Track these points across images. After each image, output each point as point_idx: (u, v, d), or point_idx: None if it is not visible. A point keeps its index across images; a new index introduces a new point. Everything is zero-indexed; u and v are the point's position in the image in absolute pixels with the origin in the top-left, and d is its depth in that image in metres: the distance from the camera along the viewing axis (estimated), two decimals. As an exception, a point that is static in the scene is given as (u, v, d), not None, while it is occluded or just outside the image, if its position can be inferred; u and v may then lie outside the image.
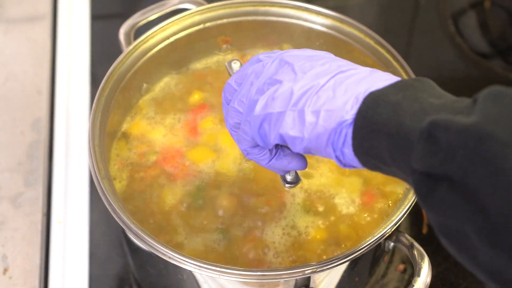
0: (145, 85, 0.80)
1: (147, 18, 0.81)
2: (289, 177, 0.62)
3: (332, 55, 0.55)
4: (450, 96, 0.48)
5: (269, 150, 0.57)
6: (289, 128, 0.52)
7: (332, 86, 0.51)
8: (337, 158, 0.52)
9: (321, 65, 0.53)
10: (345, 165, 0.53)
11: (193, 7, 0.81)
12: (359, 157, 0.50)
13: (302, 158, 0.59)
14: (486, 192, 0.40)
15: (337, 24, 0.78)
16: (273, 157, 0.58)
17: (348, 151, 0.50)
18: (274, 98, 0.53)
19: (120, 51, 0.78)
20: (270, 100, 0.53)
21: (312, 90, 0.51)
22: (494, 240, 0.40)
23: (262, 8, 0.80)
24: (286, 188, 0.70)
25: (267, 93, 0.53)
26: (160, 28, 0.78)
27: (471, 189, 0.41)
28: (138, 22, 0.81)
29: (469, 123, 0.42)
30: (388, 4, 1.13)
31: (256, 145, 0.57)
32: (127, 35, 0.80)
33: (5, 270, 0.79)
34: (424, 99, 0.47)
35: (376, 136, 0.48)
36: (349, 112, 0.49)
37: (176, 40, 0.80)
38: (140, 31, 0.80)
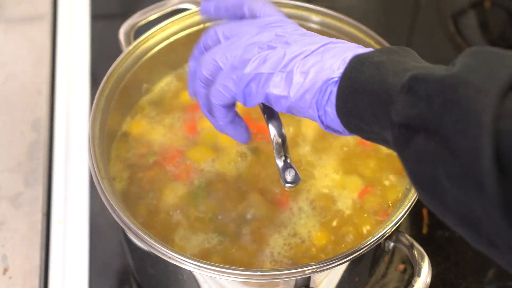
0: (145, 85, 0.80)
1: (147, 18, 0.81)
2: (289, 177, 0.62)
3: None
4: (431, 64, 0.50)
5: (232, 113, 0.59)
6: (276, 88, 0.54)
7: (321, 52, 0.53)
8: (319, 118, 0.53)
9: (313, 37, 0.56)
10: (326, 127, 0.54)
11: (193, 7, 0.81)
12: (341, 118, 0.52)
13: (249, 134, 0.61)
14: (458, 134, 0.41)
15: (337, 23, 0.78)
16: (231, 121, 0.59)
17: (331, 110, 0.52)
18: (265, 60, 0.54)
19: (120, 51, 0.77)
20: (261, 62, 0.54)
21: (303, 54, 0.53)
22: (462, 180, 0.41)
23: (262, 8, 0.80)
24: (286, 188, 0.70)
25: (258, 56, 0.55)
26: (160, 28, 0.78)
27: (445, 134, 0.42)
28: (138, 22, 0.81)
29: (448, 73, 0.44)
30: (388, 4, 1.13)
31: (229, 104, 0.58)
32: (127, 35, 0.80)
33: (5, 270, 0.79)
34: (407, 62, 0.49)
35: (359, 95, 0.50)
36: (336, 71, 0.52)
37: (176, 40, 0.80)
38: (140, 31, 0.80)
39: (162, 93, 0.81)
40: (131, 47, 0.76)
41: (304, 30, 0.57)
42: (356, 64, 0.51)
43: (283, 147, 0.69)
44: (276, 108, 0.55)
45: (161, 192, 0.73)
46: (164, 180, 0.73)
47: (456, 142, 0.41)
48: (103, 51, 1.00)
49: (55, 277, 0.79)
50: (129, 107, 0.79)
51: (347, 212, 0.71)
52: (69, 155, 0.89)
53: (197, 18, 0.80)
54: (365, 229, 0.70)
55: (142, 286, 0.80)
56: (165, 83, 0.82)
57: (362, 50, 0.53)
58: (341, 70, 0.51)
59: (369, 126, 0.50)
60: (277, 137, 0.62)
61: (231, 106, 0.58)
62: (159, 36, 0.79)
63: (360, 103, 0.50)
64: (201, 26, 0.81)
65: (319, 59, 0.53)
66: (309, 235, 0.70)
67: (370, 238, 0.63)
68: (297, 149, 0.74)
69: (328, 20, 0.79)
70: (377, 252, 0.72)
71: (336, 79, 0.51)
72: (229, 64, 0.56)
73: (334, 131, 0.55)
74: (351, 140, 0.76)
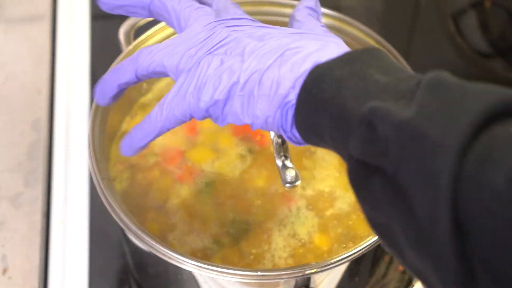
0: (145, 85, 0.80)
1: (146, 18, 0.81)
2: (289, 177, 0.62)
3: (286, 29, 0.53)
4: (398, 71, 0.46)
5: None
6: (239, 115, 0.51)
7: (278, 64, 0.49)
8: (289, 138, 0.51)
9: (270, 40, 0.51)
10: (299, 144, 0.52)
11: (193, 7, 0.81)
12: (301, 133, 0.49)
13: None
14: (415, 192, 0.38)
15: (337, 23, 0.78)
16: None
17: (291, 127, 0.50)
18: (220, 82, 0.50)
19: (120, 51, 0.77)
20: (217, 85, 0.51)
21: (258, 73, 0.49)
22: (419, 244, 0.38)
23: (262, 8, 0.80)
24: (286, 188, 0.70)
25: (213, 74, 0.51)
26: (160, 28, 0.78)
27: (402, 186, 0.39)
28: (138, 22, 0.81)
29: (405, 118, 0.39)
30: (388, 4, 1.13)
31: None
32: (127, 34, 0.80)
33: (5, 270, 0.79)
34: (370, 75, 0.45)
35: (320, 114, 0.46)
36: (292, 93, 0.48)
37: (176, 40, 0.80)
38: (140, 31, 0.79)
39: (162, 93, 0.81)
40: (131, 47, 0.76)
41: (260, 27, 0.53)
42: (316, 79, 0.47)
43: (282, 147, 0.69)
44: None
45: (161, 193, 0.72)
46: (164, 180, 0.73)
47: (413, 200, 0.38)
48: (103, 51, 0.99)
49: (54, 277, 0.79)
50: (129, 107, 0.79)
51: (348, 212, 0.71)
52: (69, 155, 0.89)
53: (197, 18, 0.80)
54: (365, 229, 0.70)
55: (142, 286, 0.80)
56: (165, 83, 0.82)
57: (321, 53, 0.49)
58: (297, 90, 0.48)
59: (328, 145, 0.48)
60: (276, 137, 0.62)
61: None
62: (159, 36, 0.79)
63: (319, 122, 0.47)
64: (201, 26, 0.81)
65: (276, 76, 0.49)
66: (309, 235, 0.69)
67: (370, 238, 0.63)
68: (296, 149, 0.74)
69: (328, 20, 0.78)
70: (378, 252, 0.72)
71: (293, 102, 0.48)
72: (173, 74, 0.54)
73: (295, 142, 0.52)
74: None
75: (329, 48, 0.50)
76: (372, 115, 0.42)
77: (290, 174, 0.63)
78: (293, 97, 0.48)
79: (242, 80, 0.50)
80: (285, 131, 0.50)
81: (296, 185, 0.66)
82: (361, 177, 0.43)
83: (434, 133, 0.37)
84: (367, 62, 0.46)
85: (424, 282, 0.40)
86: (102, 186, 0.65)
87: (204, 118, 0.53)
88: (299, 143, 0.52)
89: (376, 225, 0.44)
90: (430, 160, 0.37)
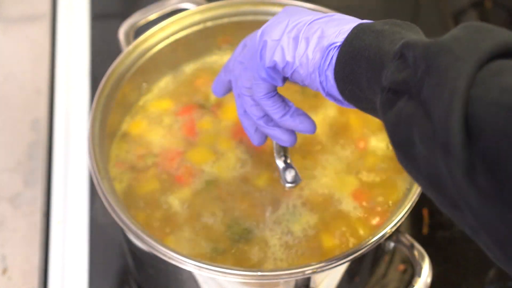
0: (144, 84, 0.80)
1: (146, 17, 0.81)
2: (289, 177, 0.62)
3: None
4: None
5: (284, 104, 0.61)
6: (282, 54, 0.56)
7: (326, 21, 0.56)
8: (321, 84, 0.55)
9: (317, 13, 0.58)
10: (327, 94, 0.56)
11: (193, 7, 0.81)
12: (338, 83, 0.54)
13: (312, 122, 0.62)
14: (434, 98, 0.43)
15: (338, 23, 0.78)
16: (288, 112, 0.61)
17: (331, 75, 0.54)
18: (272, 27, 0.57)
19: (120, 51, 0.77)
20: (268, 29, 0.57)
21: (306, 21, 0.56)
22: (432, 141, 0.43)
23: (262, 8, 0.80)
24: (286, 188, 0.70)
25: (264, 28, 0.58)
26: (159, 28, 0.78)
27: (423, 98, 0.44)
28: (137, 22, 0.81)
29: (434, 41, 0.45)
30: (388, 4, 1.13)
31: (271, 92, 0.60)
32: (127, 34, 0.80)
33: (5, 271, 0.79)
34: (407, 34, 0.50)
35: (357, 61, 0.51)
36: (339, 36, 0.54)
37: (176, 40, 0.80)
38: (140, 30, 0.79)
39: (162, 93, 0.81)
40: (131, 47, 0.76)
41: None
42: (358, 32, 0.52)
43: (283, 147, 0.69)
44: (286, 73, 0.57)
45: (161, 193, 0.72)
46: (164, 181, 0.73)
47: (431, 105, 0.43)
48: (103, 51, 0.99)
49: (54, 277, 0.79)
50: (129, 107, 0.79)
51: (348, 212, 0.71)
52: (68, 155, 0.88)
53: (197, 18, 0.80)
54: (365, 229, 0.70)
55: (142, 286, 0.80)
56: (165, 83, 0.82)
57: (366, 21, 0.55)
58: (344, 35, 0.53)
59: (362, 92, 0.52)
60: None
61: (273, 89, 0.60)
62: (159, 36, 0.79)
63: (357, 68, 0.51)
64: (201, 26, 0.81)
65: (323, 26, 0.55)
66: (309, 235, 0.69)
67: (370, 238, 0.63)
68: (296, 149, 0.74)
69: (328, 20, 0.78)
70: (378, 252, 0.72)
71: (338, 43, 0.53)
72: (248, 56, 0.60)
73: (335, 100, 0.56)
74: (351, 141, 0.76)
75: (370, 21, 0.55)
76: (404, 47, 0.47)
77: (290, 174, 0.63)
78: (339, 39, 0.53)
79: (290, 26, 0.56)
80: (320, 74, 0.55)
81: (296, 185, 0.66)
82: (390, 103, 0.48)
83: (458, 49, 0.43)
84: (406, 28, 0.52)
85: (434, 187, 0.45)
86: (102, 186, 0.65)
87: (263, 68, 0.59)
88: (328, 94, 0.56)
89: (396, 139, 0.48)
90: (451, 69, 0.42)
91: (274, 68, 0.58)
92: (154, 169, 0.74)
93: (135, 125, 0.78)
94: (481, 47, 0.43)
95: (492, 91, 0.40)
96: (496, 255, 0.42)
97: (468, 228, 0.44)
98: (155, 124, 0.78)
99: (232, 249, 0.69)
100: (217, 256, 0.68)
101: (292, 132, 0.63)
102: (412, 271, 0.78)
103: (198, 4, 0.81)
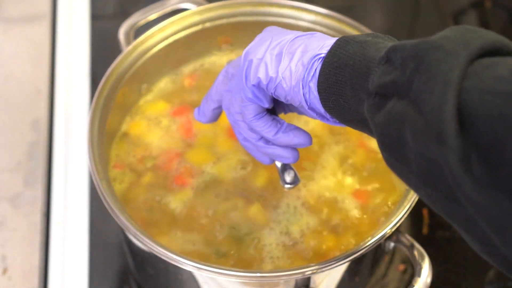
0: (144, 85, 0.80)
1: (146, 17, 0.81)
2: (288, 178, 0.62)
3: None
4: None
5: (275, 122, 0.60)
6: (266, 70, 0.56)
7: (308, 37, 0.56)
8: (304, 96, 0.55)
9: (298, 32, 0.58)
10: (310, 108, 0.55)
11: (192, 7, 0.81)
12: (321, 94, 0.53)
13: (306, 134, 0.61)
14: (425, 93, 0.43)
15: (337, 24, 0.78)
16: (280, 129, 0.60)
17: (314, 86, 0.54)
18: (255, 47, 0.57)
19: (119, 51, 0.77)
20: (252, 49, 0.57)
21: (289, 39, 0.56)
22: (425, 133, 0.43)
23: (262, 8, 0.80)
24: (285, 189, 0.70)
25: (249, 49, 0.58)
26: (159, 28, 0.78)
27: (413, 95, 0.44)
28: (137, 22, 0.81)
29: (423, 40, 0.46)
30: (389, 4, 1.13)
31: (260, 113, 0.59)
32: (127, 34, 0.80)
33: (5, 271, 0.79)
34: (390, 44, 0.51)
35: (341, 70, 0.51)
36: (323, 49, 0.54)
37: (175, 40, 0.80)
38: (139, 31, 0.79)
39: (161, 93, 0.81)
40: (130, 47, 0.76)
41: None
42: (341, 43, 0.53)
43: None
44: (269, 90, 0.57)
45: (160, 194, 0.72)
46: (164, 181, 0.73)
47: (422, 100, 0.43)
48: (103, 51, 0.99)
49: (54, 278, 0.79)
50: (129, 107, 0.79)
51: (348, 213, 0.71)
52: (68, 155, 0.88)
53: (196, 18, 0.80)
54: (365, 229, 0.70)
55: (142, 286, 0.80)
56: (165, 83, 0.82)
57: (348, 35, 0.55)
58: (327, 48, 0.53)
59: (346, 102, 0.52)
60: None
61: (261, 110, 0.60)
62: (159, 36, 0.79)
63: (342, 78, 0.51)
64: (201, 26, 0.81)
65: (306, 41, 0.55)
66: (309, 236, 0.69)
67: (370, 238, 0.63)
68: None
69: (328, 21, 0.78)
70: (378, 252, 0.72)
71: (322, 55, 0.53)
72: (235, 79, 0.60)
73: (317, 114, 0.56)
74: (351, 141, 0.76)
75: None
76: (390, 52, 0.48)
77: (289, 175, 0.63)
78: (323, 51, 0.54)
79: (273, 44, 0.57)
80: (303, 86, 0.54)
81: (295, 186, 0.66)
82: (377, 105, 0.48)
83: (449, 45, 0.44)
84: (388, 40, 0.53)
85: (427, 184, 0.45)
86: (102, 187, 0.65)
87: (249, 88, 0.58)
88: (310, 107, 0.55)
89: (386, 141, 0.48)
90: (442, 64, 0.43)
91: (258, 86, 0.57)
92: (154, 170, 0.74)
93: (135, 126, 0.78)
94: (471, 43, 0.44)
95: (486, 81, 0.41)
96: (496, 246, 0.43)
97: (464, 222, 0.44)
98: (155, 124, 0.78)
99: (232, 249, 0.69)
100: (217, 256, 0.68)
101: (293, 148, 0.62)
102: (412, 271, 0.78)
103: (198, 4, 0.81)
